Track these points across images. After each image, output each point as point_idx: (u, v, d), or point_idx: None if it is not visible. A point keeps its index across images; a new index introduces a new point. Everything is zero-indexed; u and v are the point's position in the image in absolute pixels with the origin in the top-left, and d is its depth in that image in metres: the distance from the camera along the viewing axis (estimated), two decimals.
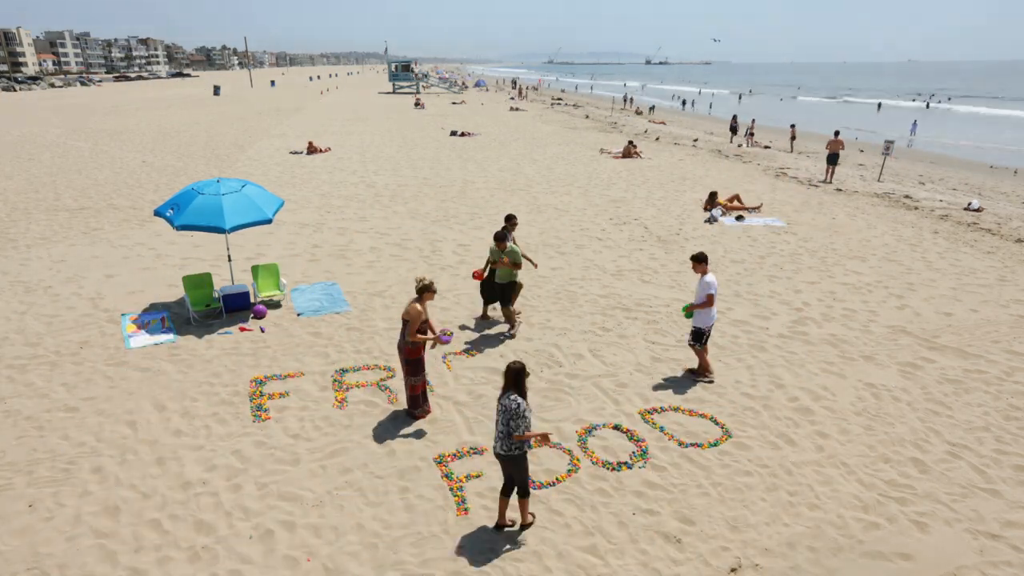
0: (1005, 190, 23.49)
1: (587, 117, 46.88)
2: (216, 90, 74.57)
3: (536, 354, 9.00)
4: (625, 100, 65.54)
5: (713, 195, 17.50)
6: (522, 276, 12.11)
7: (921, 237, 15.21)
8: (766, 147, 32.23)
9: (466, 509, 5.91)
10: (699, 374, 8.36)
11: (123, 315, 10.12)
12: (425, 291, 7.03)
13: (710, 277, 8.04)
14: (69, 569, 5.18)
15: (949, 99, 73.47)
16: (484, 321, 10.03)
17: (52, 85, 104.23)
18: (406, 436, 7.05)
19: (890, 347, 9.31)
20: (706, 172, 23.79)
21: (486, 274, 9.63)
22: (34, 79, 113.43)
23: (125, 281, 11.69)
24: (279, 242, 14.21)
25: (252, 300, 10.50)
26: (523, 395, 5.33)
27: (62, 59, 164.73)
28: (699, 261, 8.15)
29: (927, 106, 67.74)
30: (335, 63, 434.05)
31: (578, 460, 6.65)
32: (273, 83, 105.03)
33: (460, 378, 8.33)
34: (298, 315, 10.23)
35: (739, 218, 16.58)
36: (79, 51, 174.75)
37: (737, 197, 17.78)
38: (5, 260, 12.91)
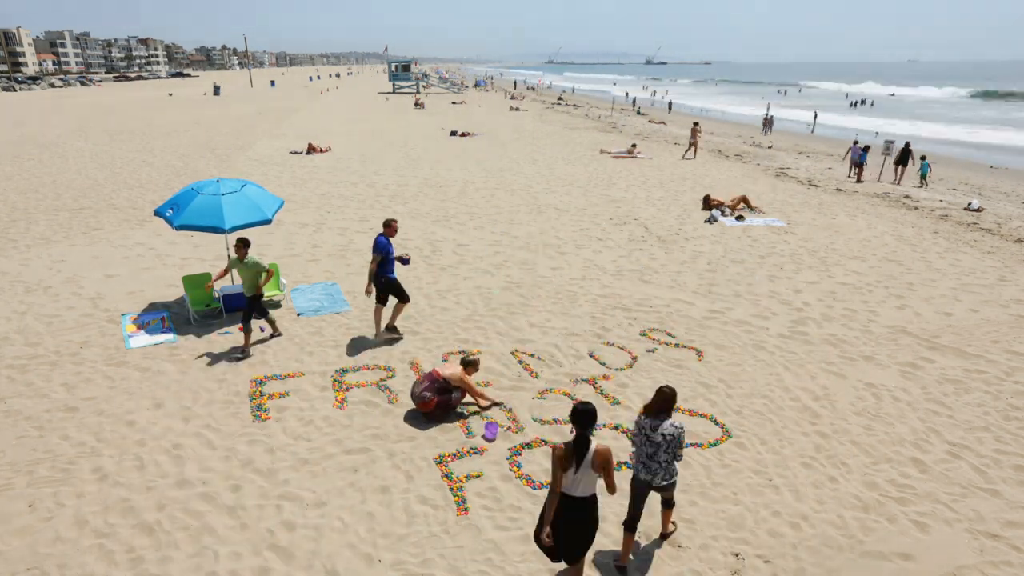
0: (1005, 190, 23.49)
1: (587, 116, 46.89)
2: (216, 90, 74.57)
3: (536, 354, 9.00)
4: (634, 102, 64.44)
5: (706, 198, 17.52)
6: (523, 276, 12.12)
7: (921, 237, 15.21)
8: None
9: (466, 509, 5.91)
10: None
11: (123, 315, 10.12)
12: (469, 366, 7.45)
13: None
14: (69, 569, 5.18)
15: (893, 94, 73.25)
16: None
17: (52, 85, 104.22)
18: (406, 436, 7.05)
19: (890, 347, 9.31)
20: (706, 172, 23.80)
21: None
22: (34, 79, 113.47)
23: (125, 281, 11.69)
24: (279, 242, 14.21)
25: None
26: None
27: (62, 59, 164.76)
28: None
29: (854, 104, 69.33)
30: (335, 63, 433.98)
31: None
32: (273, 83, 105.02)
33: None
34: (298, 315, 10.23)
35: (739, 218, 16.58)
36: (79, 51, 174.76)
37: (744, 199, 17.63)
38: (5, 260, 12.90)
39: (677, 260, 13.21)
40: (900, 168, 23.42)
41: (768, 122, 41.68)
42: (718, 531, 5.69)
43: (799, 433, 7.17)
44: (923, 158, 23.44)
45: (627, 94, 66.32)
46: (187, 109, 52.25)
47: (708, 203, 17.41)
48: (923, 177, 22.93)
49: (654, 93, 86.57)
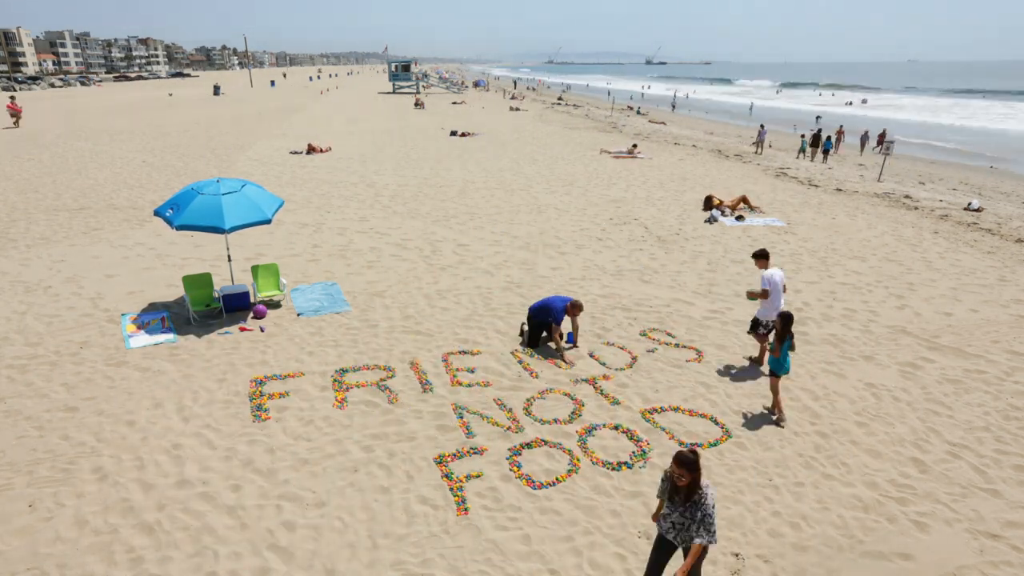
0: (1005, 190, 23.50)
1: (587, 116, 46.90)
2: (216, 90, 74.54)
3: (536, 354, 8.99)
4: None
5: (708, 199, 17.51)
6: (523, 276, 12.12)
7: (921, 237, 15.21)
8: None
9: (466, 509, 5.91)
10: (757, 361, 8.77)
11: (123, 315, 10.12)
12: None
13: (768, 272, 8.34)
14: (69, 569, 5.18)
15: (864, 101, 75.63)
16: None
17: (52, 85, 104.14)
18: (406, 436, 7.05)
19: (890, 347, 9.31)
20: (706, 172, 23.79)
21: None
22: (34, 79, 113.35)
23: (125, 281, 11.69)
24: (279, 242, 14.21)
25: (252, 300, 10.50)
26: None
27: (62, 59, 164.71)
28: (758, 257, 8.70)
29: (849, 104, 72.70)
30: (335, 63, 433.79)
31: (578, 460, 6.65)
32: (273, 83, 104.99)
33: (461, 377, 8.33)
34: (298, 315, 10.23)
35: (739, 218, 16.58)
36: (79, 51, 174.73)
37: (744, 199, 17.63)
38: (5, 260, 12.90)
39: (677, 260, 13.21)
40: (813, 150, 28.80)
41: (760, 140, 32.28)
42: (718, 531, 5.68)
43: (799, 433, 7.18)
44: (828, 138, 28.55)
45: (609, 93, 66.77)
46: (187, 109, 52.24)
47: (709, 203, 17.40)
48: (825, 152, 28.38)
49: (649, 88, 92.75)
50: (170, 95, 72.91)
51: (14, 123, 37.38)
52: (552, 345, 9.00)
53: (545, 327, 9.11)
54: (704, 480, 4.45)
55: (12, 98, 42.60)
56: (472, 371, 8.49)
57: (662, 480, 4.62)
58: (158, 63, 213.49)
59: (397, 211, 17.16)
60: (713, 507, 4.42)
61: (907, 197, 19.88)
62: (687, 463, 4.31)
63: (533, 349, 9.11)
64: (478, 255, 13.40)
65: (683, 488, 4.39)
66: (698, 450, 4.62)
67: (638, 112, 54.57)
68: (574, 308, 8.95)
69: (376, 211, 17.16)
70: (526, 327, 9.34)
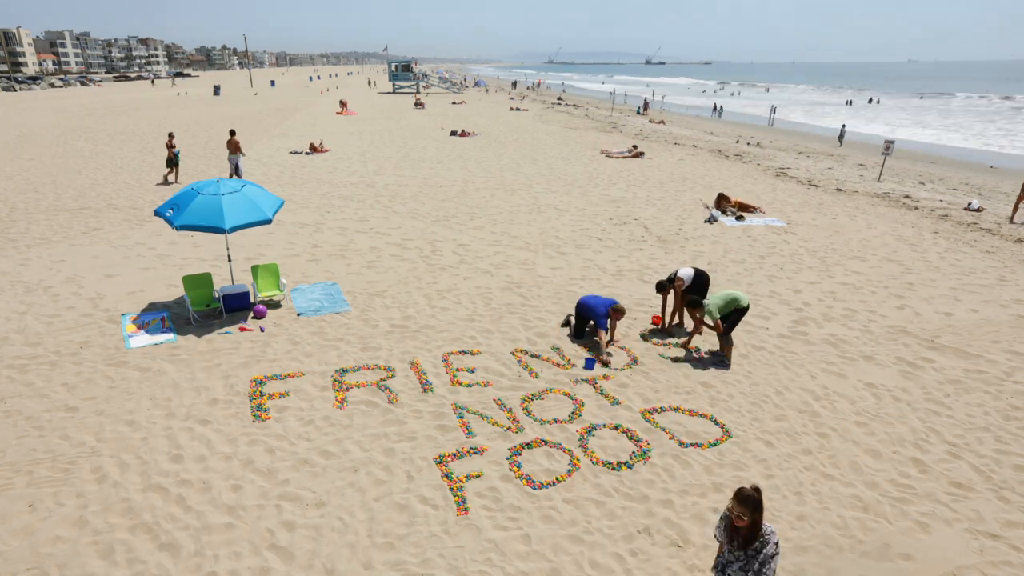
0: (1005, 190, 23.49)
1: (587, 116, 46.91)
2: (216, 90, 74.55)
3: (537, 354, 8.99)
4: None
5: (720, 197, 17.46)
6: (523, 277, 12.12)
7: (921, 237, 15.21)
8: None
9: (466, 509, 5.91)
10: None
11: (123, 315, 10.12)
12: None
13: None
14: (69, 569, 5.18)
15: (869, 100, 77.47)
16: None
17: (52, 85, 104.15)
18: (406, 436, 7.05)
19: (890, 347, 9.31)
20: (706, 172, 23.80)
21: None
22: (34, 79, 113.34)
23: (125, 281, 11.69)
24: (279, 242, 14.21)
25: (252, 300, 10.50)
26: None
27: (62, 59, 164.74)
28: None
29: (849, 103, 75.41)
30: (335, 63, 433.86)
31: (578, 460, 6.65)
32: (273, 83, 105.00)
33: (461, 377, 8.33)
34: (298, 315, 10.23)
35: (739, 218, 16.58)
36: (79, 51, 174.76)
37: (744, 205, 17.60)
38: (5, 260, 12.90)
39: (677, 260, 13.20)
40: None
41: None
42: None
43: (799, 433, 7.18)
44: None
45: (624, 95, 65.97)
46: (188, 109, 52.23)
47: (720, 202, 17.30)
48: None
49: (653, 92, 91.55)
50: (180, 94, 72.86)
51: None
52: (596, 339, 9.19)
53: (589, 322, 9.36)
54: (767, 525, 3.90)
55: None
56: (472, 371, 8.50)
57: (720, 518, 4.06)
58: (158, 63, 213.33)
59: (397, 211, 17.16)
60: (774, 556, 3.81)
61: (907, 197, 19.89)
62: (748, 501, 3.75)
63: (579, 340, 9.39)
64: (478, 255, 13.40)
65: (742, 530, 3.84)
66: (760, 487, 3.94)
67: (638, 112, 54.58)
68: (616, 313, 9.15)
69: (376, 211, 17.16)
70: (573, 319, 9.67)
